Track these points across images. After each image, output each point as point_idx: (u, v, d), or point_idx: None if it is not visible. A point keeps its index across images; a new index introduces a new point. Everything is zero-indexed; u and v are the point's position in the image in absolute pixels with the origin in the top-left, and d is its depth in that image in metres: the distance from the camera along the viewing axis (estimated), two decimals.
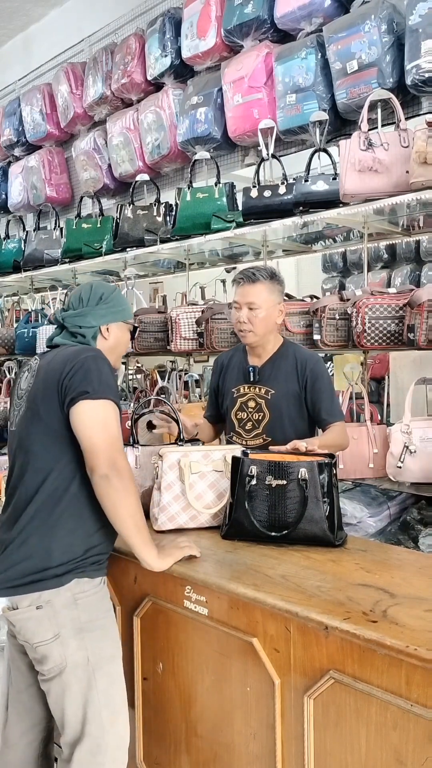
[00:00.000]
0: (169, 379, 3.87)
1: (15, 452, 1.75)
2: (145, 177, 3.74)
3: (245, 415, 2.36)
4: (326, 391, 2.29)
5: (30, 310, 4.64)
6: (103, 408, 1.62)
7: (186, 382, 3.79)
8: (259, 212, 2.98)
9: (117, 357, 1.93)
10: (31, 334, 4.22)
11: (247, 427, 2.35)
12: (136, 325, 2.25)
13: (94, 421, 1.60)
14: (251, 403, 2.34)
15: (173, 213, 3.51)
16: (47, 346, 1.87)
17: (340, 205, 2.68)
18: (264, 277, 2.25)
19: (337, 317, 2.76)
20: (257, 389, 2.34)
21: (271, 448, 2.03)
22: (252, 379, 2.34)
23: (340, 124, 2.94)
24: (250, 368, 2.34)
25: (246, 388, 2.37)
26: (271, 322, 2.30)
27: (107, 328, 1.84)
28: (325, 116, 2.79)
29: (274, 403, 2.31)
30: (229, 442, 2.41)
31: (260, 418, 2.32)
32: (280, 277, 2.32)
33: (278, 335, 2.40)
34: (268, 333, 2.31)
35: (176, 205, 3.49)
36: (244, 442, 2.33)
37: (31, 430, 1.69)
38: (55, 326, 1.88)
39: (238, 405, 2.38)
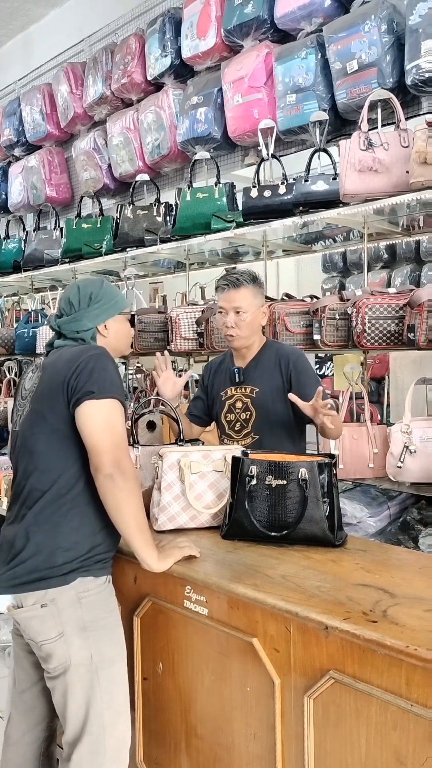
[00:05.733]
0: None
1: (18, 452, 1.75)
2: (145, 177, 3.74)
3: (233, 416, 2.39)
4: (311, 384, 2.26)
5: (30, 310, 4.64)
6: (108, 408, 1.62)
7: (186, 382, 3.78)
8: (259, 212, 2.98)
9: (124, 346, 1.94)
10: (31, 334, 4.23)
11: (236, 428, 2.38)
12: (133, 312, 2.24)
13: (100, 421, 1.60)
14: (238, 404, 2.37)
15: (173, 213, 3.51)
16: (47, 351, 1.86)
17: (340, 205, 2.68)
18: (247, 281, 2.29)
19: (337, 317, 2.76)
20: (243, 389, 2.37)
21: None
22: (237, 380, 2.37)
23: (340, 124, 2.94)
24: (235, 369, 2.38)
25: (233, 390, 2.40)
26: (256, 325, 2.35)
27: (105, 326, 1.84)
28: (325, 116, 2.79)
29: (259, 401, 2.33)
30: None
31: (248, 417, 2.34)
32: (260, 280, 2.38)
33: (262, 336, 2.43)
34: (253, 335, 2.35)
35: (176, 205, 3.49)
36: (235, 444, 2.33)
37: (35, 431, 1.69)
38: (53, 333, 1.87)
39: (226, 407, 2.41)
